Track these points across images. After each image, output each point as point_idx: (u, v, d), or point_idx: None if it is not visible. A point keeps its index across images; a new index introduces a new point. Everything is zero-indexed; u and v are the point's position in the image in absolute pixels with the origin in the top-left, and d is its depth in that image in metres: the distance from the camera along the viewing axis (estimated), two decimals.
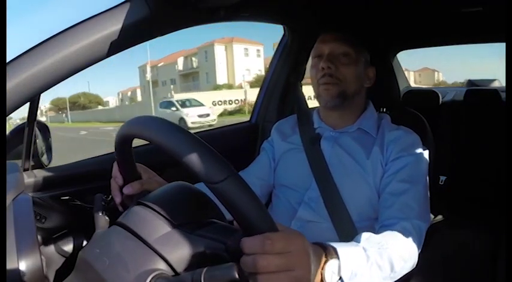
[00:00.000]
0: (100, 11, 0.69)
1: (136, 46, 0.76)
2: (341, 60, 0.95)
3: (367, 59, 1.01)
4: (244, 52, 36.00)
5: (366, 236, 0.67)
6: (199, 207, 0.56)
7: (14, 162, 0.83)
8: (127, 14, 0.69)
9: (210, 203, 0.57)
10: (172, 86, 37.09)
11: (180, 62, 38.09)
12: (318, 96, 1.00)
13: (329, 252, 0.55)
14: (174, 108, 17.21)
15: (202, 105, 17.78)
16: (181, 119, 15.56)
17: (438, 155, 1.12)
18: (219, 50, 34.45)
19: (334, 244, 0.57)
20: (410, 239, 0.73)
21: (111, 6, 0.70)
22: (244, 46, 35.88)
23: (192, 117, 15.86)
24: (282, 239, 0.43)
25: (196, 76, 36.80)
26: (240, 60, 35.19)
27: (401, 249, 0.70)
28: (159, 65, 41.10)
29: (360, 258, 0.60)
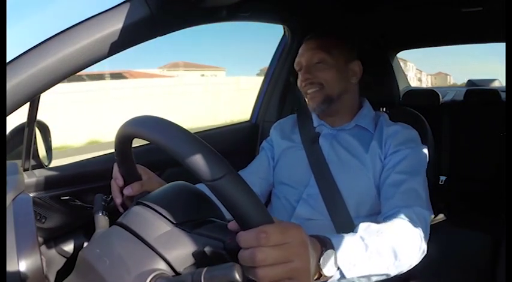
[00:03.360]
0: (100, 11, 0.69)
1: None
2: (317, 67, 0.98)
3: (351, 55, 1.01)
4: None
5: (363, 226, 0.66)
6: (198, 206, 0.56)
7: (14, 162, 0.82)
8: (127, 14, 0.69)
9: (209, 202, 0.57)
10: None
11: None
12: (308, 104, 1.03)
13: (324, 244, 0.54)
14: None
15: None
16: None
17: (438, 155, 1.12)
18: None
19: (330, 235, 0.57)
20: (413, 226, 0.71)
21: (111, 6, 0.70)
22: None
23: None
24: (277, 231, 0.43)
25: None
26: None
27: (404, 236, 0.68)
28: None
29: (357, 248, 0.59)
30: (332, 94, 0.97)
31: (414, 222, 0.72)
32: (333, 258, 0.54)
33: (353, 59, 1.01)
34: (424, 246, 0.71)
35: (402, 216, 0.73)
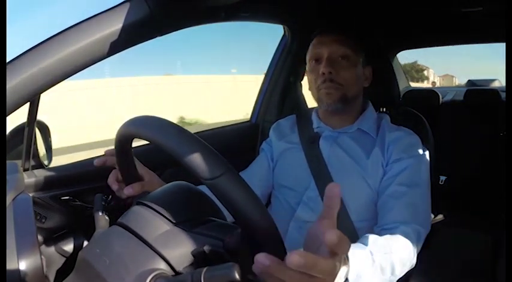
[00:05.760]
0: (100, 11, 0.69)
1: None
2: (341, 63, 0.93)
3: (364, 59, 0.99)
4: None
5: (372, 238, 0.67)
6: (198, 205, 0.56)
7: (14, 162, 0.82)
8: (127, 14, 0.69)
9: (209, 201, 0.57)
10: None
11: None
12: (318, 101, 0.99)
13: (343, 260, 0.53)
14: None
15: None
16: None
17: (438, 155, 1.12)
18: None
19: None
20: (409, 244, 0.74)
21: (111, 6, 0.70)
22: None
23: None
24: (328, 264, 0.40)
25: None
26: None
27: (402, 254, 0.71)
28: None
29: (366, 262, 0.61)
30: (348, 95, 0.95)
31: (412, 241, 0.75)
32: (345, 272, 0.54)
33: (366, 63, 1.00)
34: (414, 261, 0.75)
35: (400, 233, 0.76)
